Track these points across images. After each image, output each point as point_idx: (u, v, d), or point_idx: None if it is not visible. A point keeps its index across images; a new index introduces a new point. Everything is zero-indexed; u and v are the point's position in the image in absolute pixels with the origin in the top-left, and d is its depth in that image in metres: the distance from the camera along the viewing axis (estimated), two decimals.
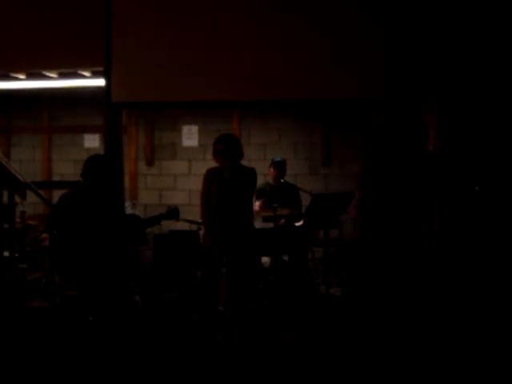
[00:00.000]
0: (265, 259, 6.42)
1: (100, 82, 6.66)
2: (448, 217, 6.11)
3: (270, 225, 6.03)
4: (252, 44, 6.23)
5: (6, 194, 5.78)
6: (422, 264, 5.69)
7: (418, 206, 5.64)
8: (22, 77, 7.27)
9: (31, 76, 7.27)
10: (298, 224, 6.46)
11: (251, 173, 5.43)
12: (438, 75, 6.35)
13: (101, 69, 6.52)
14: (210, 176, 5.43)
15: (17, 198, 5.91)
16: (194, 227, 6.76)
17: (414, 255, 5.65)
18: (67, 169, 9.00)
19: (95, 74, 7.02)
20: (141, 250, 7.44)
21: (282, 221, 6.28)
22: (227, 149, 5.31)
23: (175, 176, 9.00)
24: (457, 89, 6.22)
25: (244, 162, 5.52)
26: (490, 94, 6.10)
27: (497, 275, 5.83)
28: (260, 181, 5.88)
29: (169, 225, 7.26)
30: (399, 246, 5.76)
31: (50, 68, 6.91)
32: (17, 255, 5.89)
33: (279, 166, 6.83)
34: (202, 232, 5.83)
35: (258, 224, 6.46)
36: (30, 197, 6.26)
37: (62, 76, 7.28)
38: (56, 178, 9.06)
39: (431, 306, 5.70)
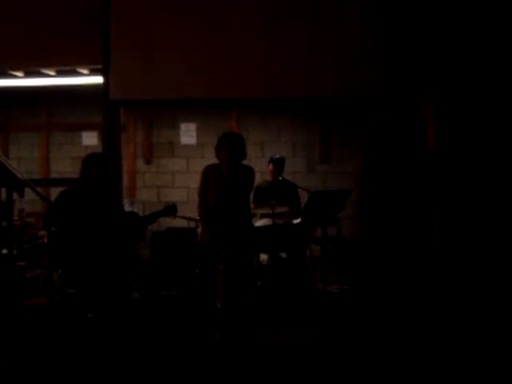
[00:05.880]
0: (263, 256, 6.43)
1: (98, 79, 6.66)
2: (447, 215, 6.12)
3: (269, 222, 6.05)
4: (251, 43, 6.23)
5: (4, 192, 5.80)
6: (420, 262, 5.71)
7: (417, 204, 5.66)
8: (20, 75, 7.27)
9: (29, 74, 7.28)
10: (295, 221, 6.48)
11: (249, 171, 5.44)
12: (436, 73, 6.35)
13: (99, 66, 6.51)
14: (207, 173, 5.43)
15: (15, 196, 5.93)
16: (192, 224, 6.77)
17: (412, 253, 5.67)
18: (65, 166, 9.00)
19: (93, 72, 7.02)
20: (139, 247, 7.46)
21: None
22: (231, 146, 5.31)
23: (173, 174, 9.01)
24: (455, 87, 6.23)
25: (243, 160, 5.52)
26: (488, 92, 6.11)
27: (496, 270, 5.84)
28: (258, 178, 5.89)
29: (167, 222, 7.27)
30: (398, 244, 5.77)
31: (49, 66, 6.91)
32: (15, 253, 5.91)
33: (278, 164, 6.83)
34: (199, 229, 5.84)
35: (258, 222, 6.49)
36: (29, 194, 6.28)
37: (60, 74, 7.28)
38: (54, 175, 9.06)
39: (429, 303, 5.72)
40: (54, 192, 6.60)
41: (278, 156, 6.92)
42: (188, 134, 8.84)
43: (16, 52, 6.60)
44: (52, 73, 7.23)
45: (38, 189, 6.39)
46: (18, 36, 6.56)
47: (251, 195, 5.83)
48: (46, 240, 5.23)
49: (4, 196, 5.81)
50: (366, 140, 7.33)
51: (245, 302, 5.52)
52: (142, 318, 5.69)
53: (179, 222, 7.15)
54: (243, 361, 4.78)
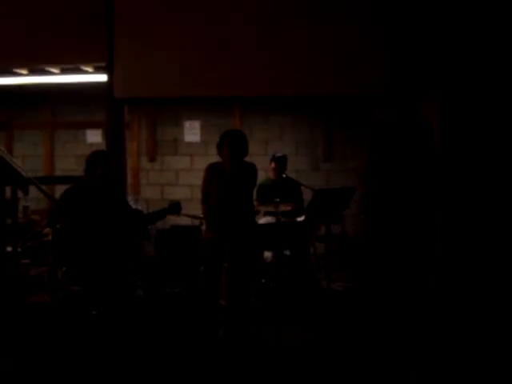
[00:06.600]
0: (267, 254, 6.44)
1: (102, 77, 6.66)
2: (450, 214, 6.11)
3: (272, 220, 6.05)
4: (253, 41, 6.24)
5: (9, 190, 5.81)
6: (423, 260, 5.70)
7: (421, 203, 5.65)
8: (24, 72, 7.29)
9: (33, 72, 7.29)
10: (299, 219, 6.48)
11: (252, 168, 5.44)
12: (438, 73, 6.35)
13: (103, 64, 6.53)
14: (210, 171, 5.43)
15: (20, 194, 5.94)
16: (196, 222, 6.78)
17: (415, 251, 5.66)
18: (70, 164, 9.02)
19: (97, 70, 7.03)
20: (143, 244, 7.48)
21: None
22: (233, 144, 5.31)
23: (177, 171, 9.02)
24: (457, 83, 6.22)
25: (245, 158, 5.52)
26: (490, 88, 6.10)
27: (499, 268, 5.84)
28: (261, 176, 5.90)
29: (171, 220, 7.28)
30: (401, 242, 5.77)
31: (53, 63, 6.92)
32: (20, 250, 5.93)
33: (280, 161, 6.83)
34: (203, 227, 5.85)
35: (261, 219, 6.49)
36: (33, 192, 6.30)
37: (65, 71, 7.29)
38: (58, 173, 9.08)
39: (433, 302, 5.72)
40: (59, 190, 6.63)
41: (279, 154, 6.92)
42: (192, 131, 8.85)
43: (17, 52, 6.61)
44: (56, 70, 7.24)
45: (43, 186, 6.40)
46: (19, 36, 6.56)
47: (254, 193, 5.83)
48: (50, 237, 5.25)
49: (9, 194, 5.83)
50: (371, 138, 7.33)
51: (249, 300, 5.53)
52: (145, 316, 5.71)
53: (183, 220, 7.17)
54: (247, 358, 4.79)
